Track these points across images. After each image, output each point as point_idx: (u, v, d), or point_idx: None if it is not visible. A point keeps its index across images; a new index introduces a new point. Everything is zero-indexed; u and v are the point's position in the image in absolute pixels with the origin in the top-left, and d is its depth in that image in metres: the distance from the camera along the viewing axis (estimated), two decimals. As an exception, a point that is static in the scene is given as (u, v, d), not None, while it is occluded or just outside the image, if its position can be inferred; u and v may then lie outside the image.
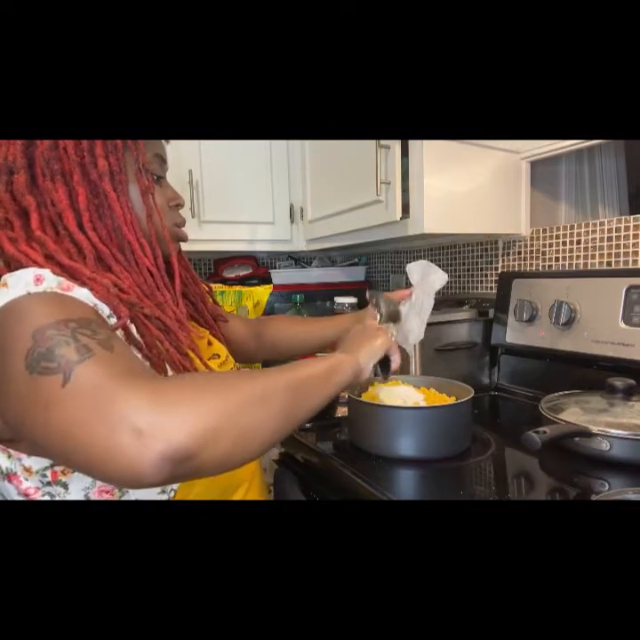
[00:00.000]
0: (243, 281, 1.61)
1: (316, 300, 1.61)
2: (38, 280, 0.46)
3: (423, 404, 0.77)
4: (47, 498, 0.50)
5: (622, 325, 0.84)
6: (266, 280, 1.61)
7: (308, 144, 1.42)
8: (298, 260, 1.77)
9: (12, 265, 0.49)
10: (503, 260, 1.22)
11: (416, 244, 1.53)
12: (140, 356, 0.52)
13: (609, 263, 0.98)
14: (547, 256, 1.11)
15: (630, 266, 0.94)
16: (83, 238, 0.53)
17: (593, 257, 1.01)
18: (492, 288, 1.24)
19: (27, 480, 0.49)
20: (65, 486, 0.50)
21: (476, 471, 0.73)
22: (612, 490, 0.63)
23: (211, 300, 0.82)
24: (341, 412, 0.92)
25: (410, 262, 0.84)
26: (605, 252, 0.98)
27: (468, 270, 1.33)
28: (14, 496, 0.50)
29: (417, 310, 0.78)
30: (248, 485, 0.65)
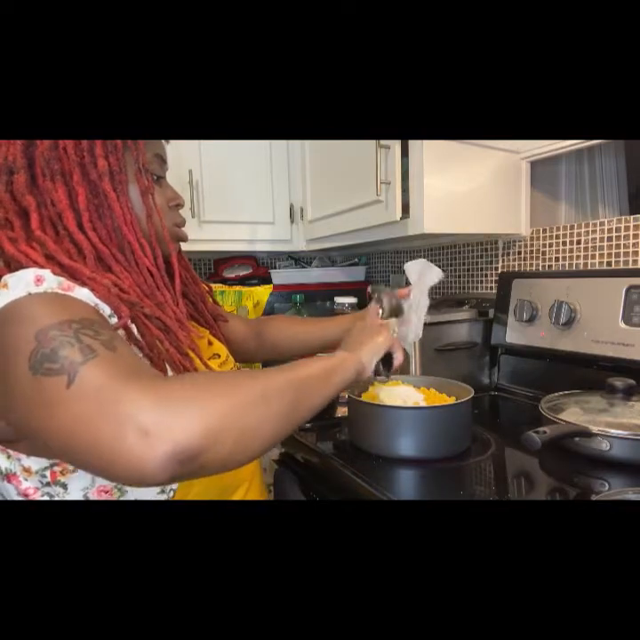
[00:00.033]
0: (243, 281, 1.61)
1: (315, 299, 1.61)
2: (39, 280, 0.46)
3: (423, 403, 0.77)
4: (46, 498, 0.50)
5: (622, 325, 0.84)
6: (266, 280, 1.61)
7: (308, 144, 1.42)
8: (298, 259, 1.77)
9: (12, 265, 0.49)
10: (503, 260, 1.22)
11: (416, 244, 1.53)
12: (140, 355, 0.52)
13: (609, 263, 0.98)
14: (547, 256, 1.11)
15: (630, 266, 0.94)
16: (82, 238, 0.53)
17: (593, 257, 1.01)
18: (491, 288, 1.24)
19: (26, 480, 0.49)
20: (64, 486, 0.50)
21: (476, 471, 0.73)
22: (612, 490, 0.63)
23: (211, 299, 0.82)
24: (341, 411, 0.92)
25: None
26: (605, 252, 0.98)
27: (468, 270, 1.33)
28: (14, 496, 0.50)
29: (415, 308, 0.78)
30: (248, 485, 0.65)
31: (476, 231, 1.11)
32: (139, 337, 0.52)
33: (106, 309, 0.49)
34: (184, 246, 0.73)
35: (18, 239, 0.50)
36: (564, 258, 1.07)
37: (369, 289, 0.78)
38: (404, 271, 0.80)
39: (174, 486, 0.54)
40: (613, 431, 0.67)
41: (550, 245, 1.10)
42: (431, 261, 0.78)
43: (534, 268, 1.13)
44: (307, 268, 1.70)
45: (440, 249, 1.43)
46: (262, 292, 1.57)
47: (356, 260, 1.76)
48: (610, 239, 0.98)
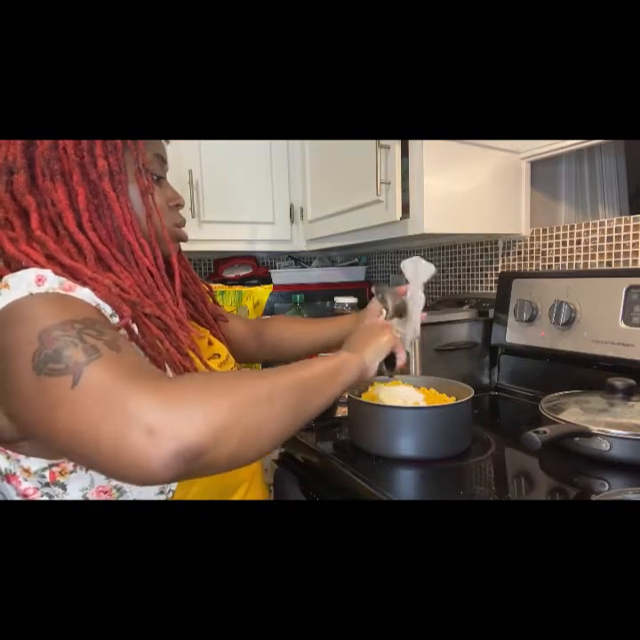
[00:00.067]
0: (243, 281, 1.61)
1: (316, 300, 1.61)
2: (40, 280, 0.46)
3: (423, 403, 0.77)
4: (46, 498, 0.50)
5: (622, 325, 0.84)
6: (266, 280, 1.61)
7: (308, 144, 1.42)
8: (298, 259, 1.77)
9: (13, 265, 0.49)
10: (503, 260, 1.22)
11: (416, 244, 1.53)
12: (142, 354, 0.52)
13: (609, 263, 0.98)
14: (547, 256, 1.11)
15: (630, 266, 0.94)
16: (82, 238, 0.53)
17: (593, 257, 1.01)
18: (492, 288, 1.24)
19: (26, 481, 0.49)
20: (63, 487, 0.50)
21: (476, 471, 0.73)
22: (612, 490, 0.63)
23: (211, 299, 0.82)
24: (341, 412, 0.92)
25: (409, 262, 0.84)
26: (605, 252, 0.98)
27: (468, 270, 1.33)
28: (13, 496, 0.50)
29: (412, 306, 0.78)
30: (248, 485, 0.65)
31: (476, 231, 1.11)
32: (139, 336, 0.52)
33: (107, 309, 0.49)
34: (184, 246, 0.73)
35: (18, 239, 0.50)
36: (563, 258, 1.07)
37: (373, 289, 0.78)
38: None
39: (173, 486, 0.53)
40: (613, 431, 0.67)
41: (550, 245, 1.10)
42: (431, 261, 0.78)
43: (534, 268, 1.13)
44: (307, 268, 1.70)
45: (440, 249, 1.43)
46: (262, 292, 1.57)
47: (356, 260, 1.76)
48: (610, 239, 0.98)
